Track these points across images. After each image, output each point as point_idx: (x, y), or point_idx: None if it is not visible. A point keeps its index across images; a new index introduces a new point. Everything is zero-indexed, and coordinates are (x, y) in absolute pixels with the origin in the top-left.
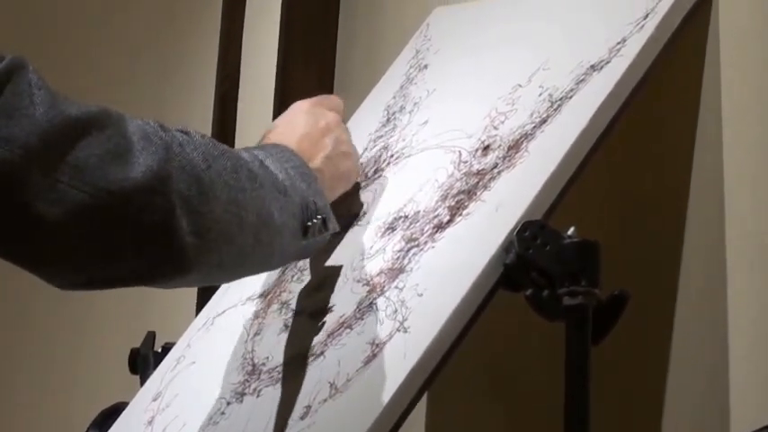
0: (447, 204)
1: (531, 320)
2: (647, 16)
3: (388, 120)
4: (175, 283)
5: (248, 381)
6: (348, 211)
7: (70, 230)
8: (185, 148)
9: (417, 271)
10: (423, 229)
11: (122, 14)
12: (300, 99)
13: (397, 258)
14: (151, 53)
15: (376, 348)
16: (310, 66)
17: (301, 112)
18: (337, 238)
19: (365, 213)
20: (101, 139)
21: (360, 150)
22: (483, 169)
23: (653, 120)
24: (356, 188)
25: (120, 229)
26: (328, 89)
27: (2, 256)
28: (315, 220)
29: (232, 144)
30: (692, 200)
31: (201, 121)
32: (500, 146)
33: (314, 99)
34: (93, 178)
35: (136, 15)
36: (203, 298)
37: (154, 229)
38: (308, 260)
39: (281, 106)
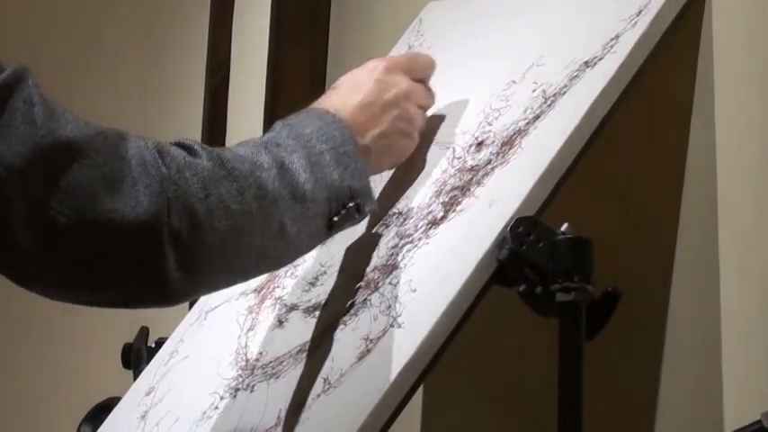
0: (441, 200)
1: (524, 316)
2: (640, 13)
3: None
4: (171, 306)
5: (241, 376)
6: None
7: (51, 254)
8: (184, 174)
9: (411, 267)
10: (416, 226)
11: (110, 8)
12: (292, 91)
13: (391, 255)
14: (140, 47)
15: (370, 344)
16: (302, 58)
17: (372, 76)
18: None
19: None
20: (97, 161)
21: None
22: (476, 165)
23: (647, 116)
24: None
25: (106, 259)
26: (320, 82)
27: None
28: (343, 212)
29: (223, 137)
30: (686, 196)
31: (192, 114)
32: (494, 142)
33: (394, 59)
34: (82, 205)
35: (124, 9)
36: None
37: (139, 264)
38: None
39: (272, 98)
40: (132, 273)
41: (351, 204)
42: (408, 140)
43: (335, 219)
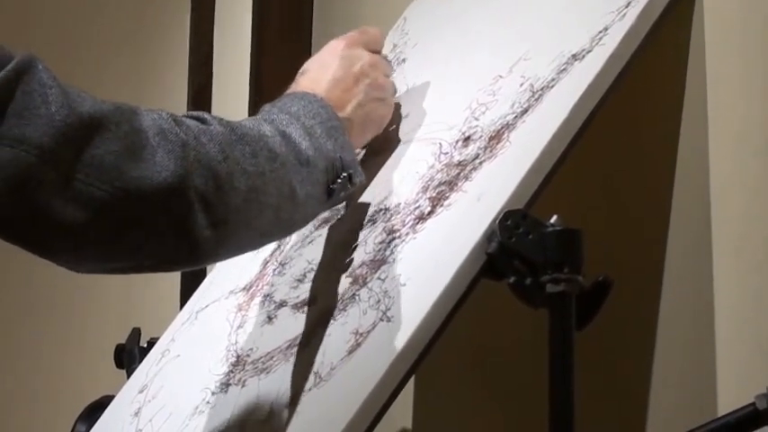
0: (428, 196)
1: (515, 308)
2: (628, 4)
3: None
4: (196, 267)
5: (233, 372)
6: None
7: (88, 227)
8: (201, 140)
9: (400, 262)
10: (404, 221)
11: (93, 10)
12: (276, 89)
13: (379, 250)
14: (123, 46)
15: (359, 338)
16: (285, 55)
17: (335, 54)
18: (319, 231)
19: (347, 206)
20: (118, 134)
21: None
22: (464, 160)
23: (637, 108)
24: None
25: (138, 226)
26: None
27: (23, 248)
28: (339, 180)
29: None
30: (677, 187)
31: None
32: (481, 137)
33: (350, 36)
34: (110, 176)
35: (107, 9)
36: (186, 293)
37: (171, 226)
38: (290, 253)
39: (256, 96)
40: (166, 234)
41: (344, 174)
42: (384, 107)
43: (333, 186)
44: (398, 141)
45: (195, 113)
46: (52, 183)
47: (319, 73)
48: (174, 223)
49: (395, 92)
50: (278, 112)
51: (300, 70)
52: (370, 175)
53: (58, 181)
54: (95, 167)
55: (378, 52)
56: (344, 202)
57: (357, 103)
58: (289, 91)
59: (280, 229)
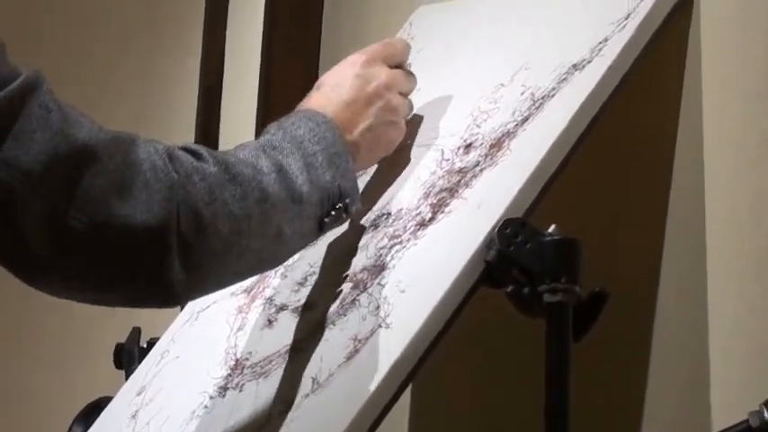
0: (429, 202)
1: (512, 317)
2: (628, 16)
3: None
4: (168, 307)
5: (231, 375)
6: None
7: (66, 258)
8: (192, 179)
9: (400, 268)
10: (405, 227)
11: (105, 10)
12: (284, 93)
13: (380, 255)
14: (134, 49)
15: (358, 344)
16: (295, 59)
17: (352, 72)
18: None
19: None
20: (109, 167)
21: None
22: (465, 167)
23: (635, 118)
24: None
25: (117, 262)
26: (313, 83)
27: (9, 271)
28: (333, 213)
29: (216, 138)
30: (673, 198)
31: (185, 115)
32: (482, 144)
33: (372, 50)
34: (94, 211)
35: (118, 11)
36: None
37: (146, 267)
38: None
39: (265, 100)
40: (140, 275)
41: (339, 205)
42: (395, 130)
43: (326, 220)
44: (402, 146)
45: (193, 147)
46: (36, 211)
47: (333, 90)
48: (148, 265)
49: (410, 110)
50: (282, 137)
51: (316, 83)
52: (374, 179)
53: (43, 210)
54: (81, 200)
55: (401, 65)
56: None
57: (366, 127)
58: (300, 106)
59: (262, 268)
